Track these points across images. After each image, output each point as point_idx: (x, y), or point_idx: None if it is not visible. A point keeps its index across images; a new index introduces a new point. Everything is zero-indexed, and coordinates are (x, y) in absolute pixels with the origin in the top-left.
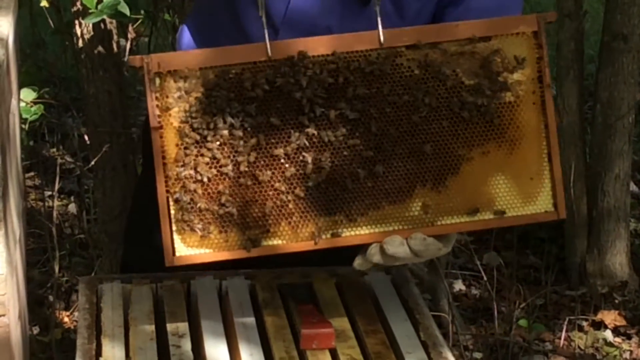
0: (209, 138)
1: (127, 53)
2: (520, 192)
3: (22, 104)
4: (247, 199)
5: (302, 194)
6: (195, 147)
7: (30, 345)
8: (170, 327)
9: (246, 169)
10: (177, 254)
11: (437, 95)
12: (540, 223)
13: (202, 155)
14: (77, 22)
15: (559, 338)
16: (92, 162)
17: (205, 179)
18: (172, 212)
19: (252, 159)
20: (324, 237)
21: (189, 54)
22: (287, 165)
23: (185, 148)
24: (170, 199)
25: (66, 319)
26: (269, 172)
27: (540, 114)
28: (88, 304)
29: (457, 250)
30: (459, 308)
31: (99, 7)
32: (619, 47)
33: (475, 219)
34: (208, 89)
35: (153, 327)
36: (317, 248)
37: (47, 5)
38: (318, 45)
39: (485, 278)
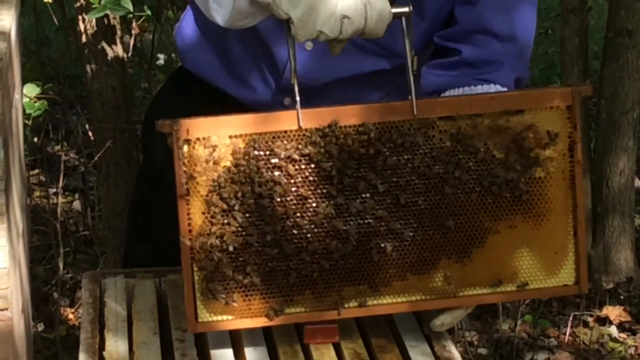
0: (236, 207)
1: (130, 49)
2: (544, 266)
3: (26, 100)
4: (272, 268)
5: (327, 265)
6: (222, 216)
7: (35, 342)
8: (173, 321)
9: (272, 238)
10: (200, 320)
11: (467, 168)
12: None
13: (228, 224)
14: (80, 17)
15: (564, 334)
16: (96, 158)
17: (230, 248)
18: (196, 278)
19: (278, 228)
20: (346, 306)
21: (218, 120)
22: (313, 236)
23: (212, 217)
24: (194, 266)
25: (71, 316)
26: (295, 243)
27: (569, 189)
28: (91, 299)
29: None
30: None
31: (102, 2)
32: (624, 43)
33: (498, 290)
34: (237, 158)
35: (156, 321)
36: (341, 318)
37: (50, 1)
38: (350, 115)
39: None
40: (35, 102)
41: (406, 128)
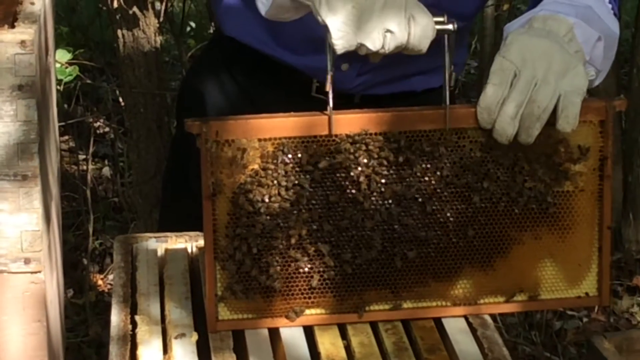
0: (262, 210)
1: (162, 15)
2: (566, 277)
3: (57, 65)
4: (295, 271)
5: (350, 270)
6: (248, 217)
7: (65, 308)
8: (205, 286)
9: (296, 241)
10: (220, 318)
11: (495, 179)
12: None
13: (253, 226)
14: None
15: None
16: (127, 123)
17: (254, 250)
18: (218, 277)
19: (303, 232)
20: (367, 309)
21: (248, 123)
22: (337, 241)
23: (237, 218)
24: (217, 266)
25: (100, 282)
26: (318, 247)
27: (597, 202)
28: (123, 263)
29: None
30: None
31: None
32: None
33: (518, 299)
34: (266, 161)
35: (188, 285)
36: (361, 321)
37: None
38: (381, 122)
39: None
40: (66, 67)
41: (437, 137)
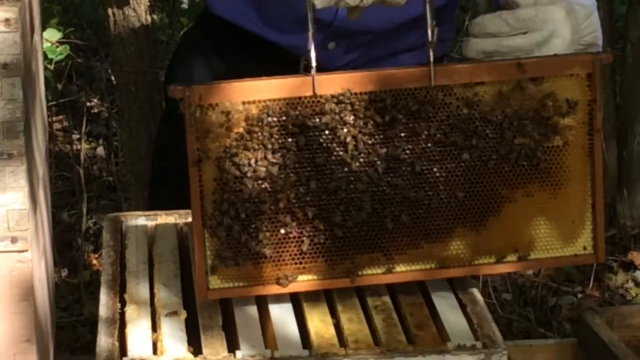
0: (248, 174)
1: None
2: (561, 234)
3: (47, 44)
4: (284, 236)
5: (340, 233)
6: (235, 182)
7: (59, 288)
8: (194, 264)
9: (285, 206)
10: (211, 287)
11: (484, 136)
12: None
13: (241, 191)
14: None
15: (589, 279)
16: (118, 102)
17: (243, 215)
18: (207, 244)
19: (291, 196)
20: (359, 273)
21: (231, 86)
22: (327, 204)
23: (224, 184)
24: (206, 233)
25: (94, 261)
26: (307, 210)
27: (588, 158)
28: (112, 241)
29: None
30: None
31: None
32: None
33: (514, 259)
34: (250, 124)
35: (177, 263)
36: (353, 285)
37: None
38: (365, 82)
39: None
40: (57, 47)
41: (422, 95)
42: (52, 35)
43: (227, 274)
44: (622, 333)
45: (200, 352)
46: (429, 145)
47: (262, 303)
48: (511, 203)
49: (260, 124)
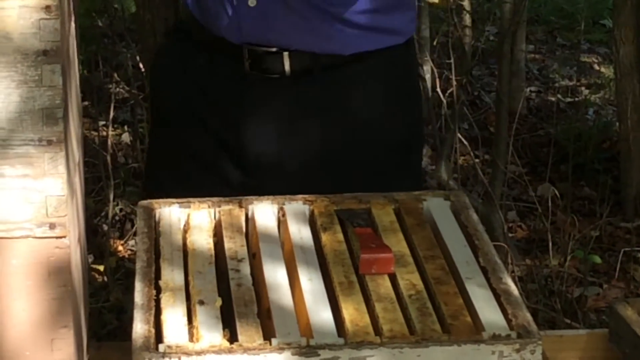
0: None
1: None
2: None
3: None
4: None
5: None
6: None
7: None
8: (228, 251)
9: None
10: None
11: None
12: (595, 154)
13: None
14: None
15: (614, 270)
16: (147, 89)
17: None
18: None
19: None
20: None
21: None
22: None
23: None
24: None
25: (120, 248)
26: None
27: None
28: (147, 228)
29: (512, 181)
30: (513, 239)
31: None
32: None
33: None
34: None
35: (212, 251)
36: None
37: None
38: None
39: (539, 209)
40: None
41: None
42: (81, 22)
43: None
44: None
45: (236, 340)
46: None
47: (297, 292)
48: None
49: None
